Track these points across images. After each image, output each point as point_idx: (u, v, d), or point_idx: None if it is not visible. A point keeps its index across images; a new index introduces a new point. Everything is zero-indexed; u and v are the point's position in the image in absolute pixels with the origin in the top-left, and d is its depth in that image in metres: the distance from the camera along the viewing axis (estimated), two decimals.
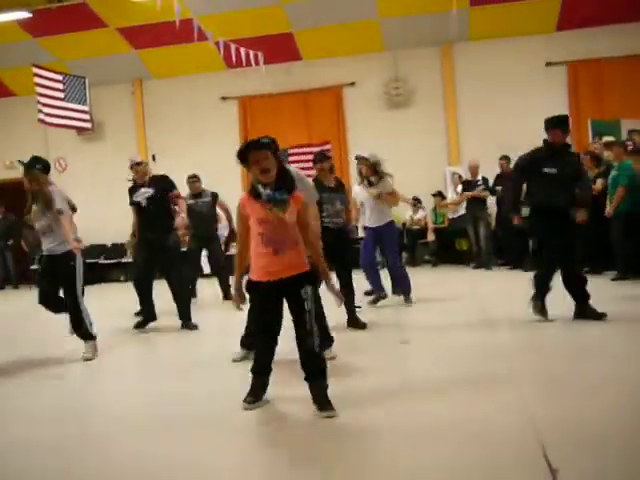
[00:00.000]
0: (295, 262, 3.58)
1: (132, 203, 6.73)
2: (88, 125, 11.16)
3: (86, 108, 10.77)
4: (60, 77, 10.29)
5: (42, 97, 9.69)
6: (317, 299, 4.02)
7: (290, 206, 3.52)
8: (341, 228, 6.32)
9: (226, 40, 10.63)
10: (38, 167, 5.24)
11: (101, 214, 12.85)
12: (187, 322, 6.62)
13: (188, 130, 13.63)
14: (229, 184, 13.50)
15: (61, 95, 10.17)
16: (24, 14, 11.65)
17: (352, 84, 13.31)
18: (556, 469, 2.50)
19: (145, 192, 6.62)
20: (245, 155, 3.61)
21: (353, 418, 3.39)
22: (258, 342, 3.88)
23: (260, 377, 3.75)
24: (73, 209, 6.20)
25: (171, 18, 10.96)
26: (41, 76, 9.87)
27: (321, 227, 5.38)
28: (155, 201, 6.59)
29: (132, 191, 6.80)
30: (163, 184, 6.72)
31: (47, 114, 9.73)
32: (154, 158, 14.04)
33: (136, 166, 6.86)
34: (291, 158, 13.24)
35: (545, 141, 5.91)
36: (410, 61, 13.04)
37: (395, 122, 13.05)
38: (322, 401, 3.53)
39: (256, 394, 3.72)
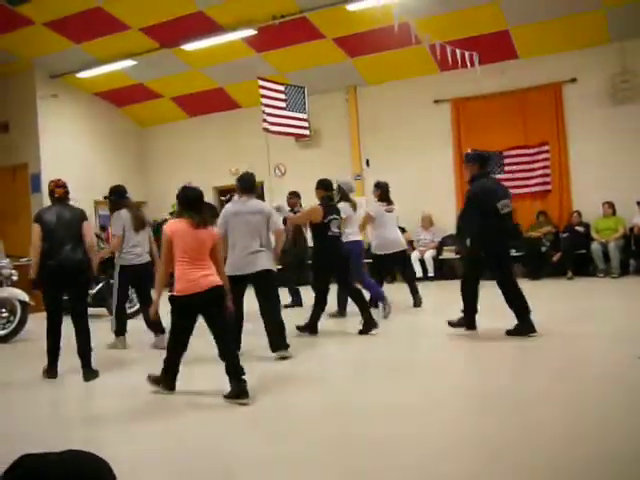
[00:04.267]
0: None
1: None
2: (306, 132, 11.63)
3: (305, 116, 11.23)
4: (282, 88, 10.83)
5: (267, 107, 10.27)
6: None
7: None
8: None
9: (441, 42, 10.54)
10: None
11: None
12: None
13: (401, 134, 13.72)
14: (442, 187, 13.45)
15: (283, 105, 10.71)
16: (250, 31, 12.50)
17: (573, 80, 12.55)
18: None
19: None
20: None
21: None
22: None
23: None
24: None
25: (385, 24, 11.16)
26: (266, 87, 10.46)
27: None
28: None
29: None
30: None
31: (271, 123, 10.29)
32: (367, 163, 14.34)
33: None
34: (506, 160, 12.84)
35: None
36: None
37: (621, 120, 12.09)
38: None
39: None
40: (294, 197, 10.59)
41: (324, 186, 7.77)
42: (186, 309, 4.88)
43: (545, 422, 3.83)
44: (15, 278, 8.53)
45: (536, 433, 3.62)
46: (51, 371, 5.91)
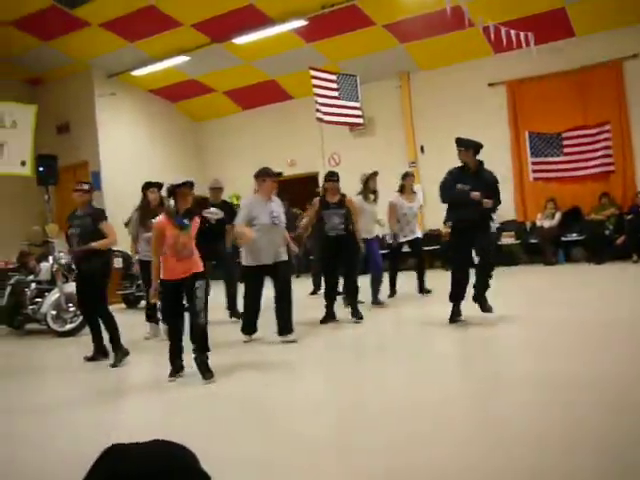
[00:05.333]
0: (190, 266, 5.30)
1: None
2: (360, 121, 11.58)
3: (358, 105, 11.19)
4: (334, 77, 10.81)
5: (319, 97, 10.27)
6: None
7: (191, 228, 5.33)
8: (341, 236, 7.60)
9: (495, 23, 10.32)
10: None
11: None
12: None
13: (455, 119, 13.49)
14: (498, 171, 13.15)
15: (336, 94, 10.69)
16: (300, 22, 12.50)
17: (634, 56, 12.11)
18: None
19: (213, 213, 7.86)
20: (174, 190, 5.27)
21: None
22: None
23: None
24: None
25: (436, 8, 11.01)
26: (318, 77, 10.47)
27: (324, 236, 7.65)
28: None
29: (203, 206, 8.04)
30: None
31: (324, 113, 10.29)
32: (422, 150, 14.18)
33: (213, 190, 8.52)
34: (565, 142, 12.52)
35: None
36: None
37: None
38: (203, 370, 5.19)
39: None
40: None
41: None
42: None
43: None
44: None
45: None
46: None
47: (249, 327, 6.93)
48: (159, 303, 5.87)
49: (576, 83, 12.61)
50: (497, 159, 13.11)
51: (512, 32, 10.34)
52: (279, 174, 7.02)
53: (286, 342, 6.57)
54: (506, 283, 7.67)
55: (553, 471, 2.90)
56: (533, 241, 12.67)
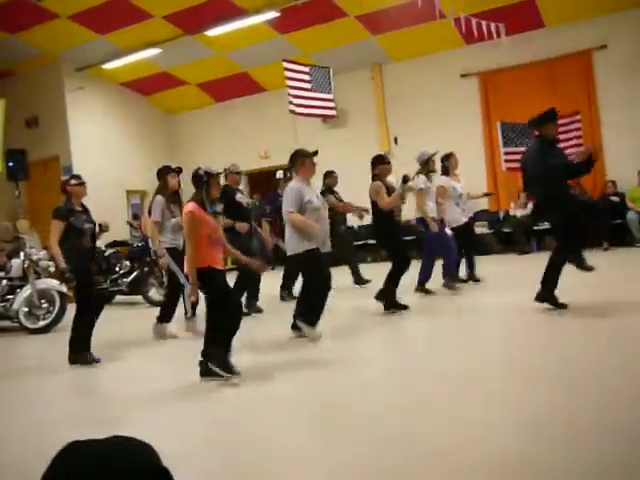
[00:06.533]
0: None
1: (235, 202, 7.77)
2: (333, 112, 11.60)
3: (331, 97, 11.21)
4: (307, 69, 10.81)
5: (292, 89, 10.26)
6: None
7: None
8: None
9: (466, 15, 10.38)
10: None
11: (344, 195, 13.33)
12: None
13: (428, 110, 13.57)
14: (472, 162, 13.29)
15: (308, 86, 10.69)
16: (273, 14, 12.44)
17: (603, 47, 12.26)
18: None
19: (243, 197, 8.00)
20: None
21: None
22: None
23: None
24: None
25: (407, 0, 11.04)
26: (291, 70, 10.45)
27: (395, 221, 7.25)
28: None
29: (232, 192, 7.79)
30: None
31: (297, 105, 10.29)
32: (396, 141, 14.23)
33: (236, 175, 8.07)
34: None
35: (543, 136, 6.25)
36: None
37: None
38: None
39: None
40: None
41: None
42: None
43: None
44: (52, 270, 8.68)
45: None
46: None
47: (316, 319, 6.25)
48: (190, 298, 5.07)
49: (547, 73, 12.74)
50: (469, 149, 13.27)
51: (483, 23, 10.42)
52: (316, 152, 6.34)
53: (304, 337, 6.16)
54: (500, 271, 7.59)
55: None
56: (506, 230, 12.79)
